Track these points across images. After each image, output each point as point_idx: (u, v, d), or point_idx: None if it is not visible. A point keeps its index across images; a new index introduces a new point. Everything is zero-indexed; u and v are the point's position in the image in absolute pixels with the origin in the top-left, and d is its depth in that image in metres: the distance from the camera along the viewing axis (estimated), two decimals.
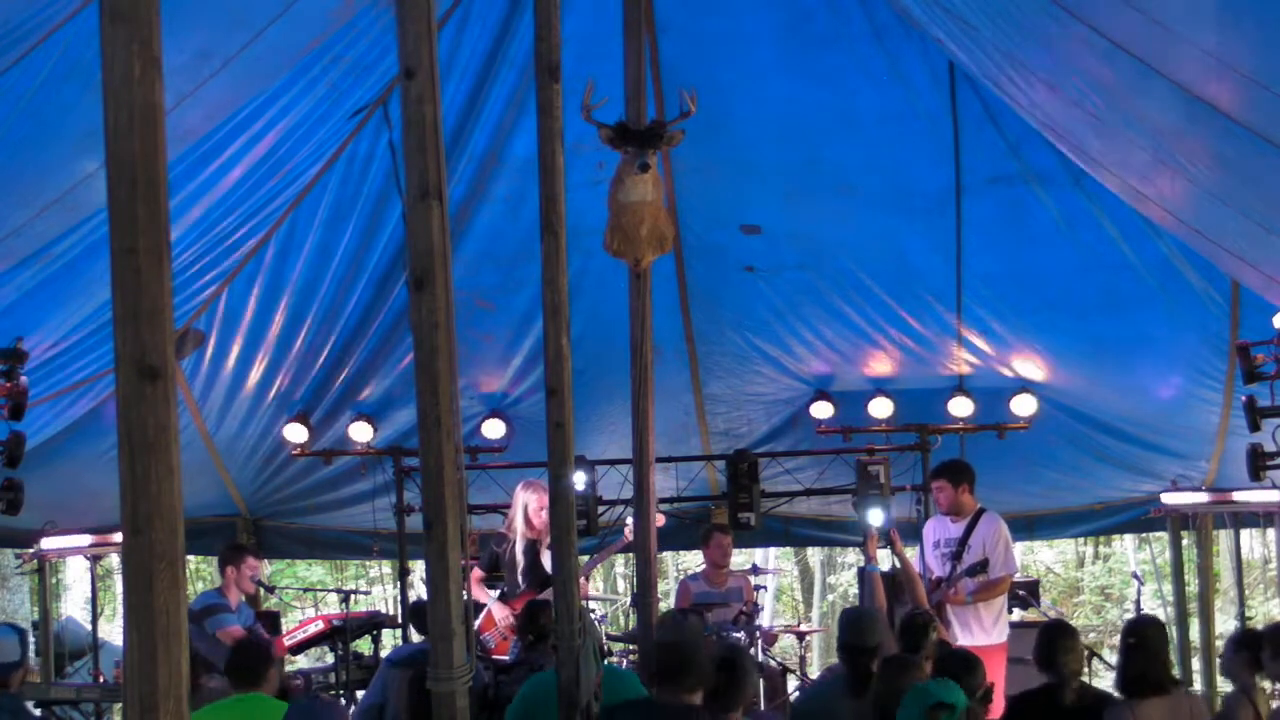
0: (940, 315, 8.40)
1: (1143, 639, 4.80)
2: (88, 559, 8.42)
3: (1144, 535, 15.25)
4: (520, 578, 7.52)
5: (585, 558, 7.93)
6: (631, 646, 7.43)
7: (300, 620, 8.92)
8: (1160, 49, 4.31)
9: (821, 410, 9.01)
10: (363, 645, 8.11)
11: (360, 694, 6.89)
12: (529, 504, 7.52)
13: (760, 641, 7.55)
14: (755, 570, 8.45)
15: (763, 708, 7.38)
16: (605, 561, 12.61)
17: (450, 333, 3.54)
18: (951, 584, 7.28)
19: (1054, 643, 4.94)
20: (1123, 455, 9.04)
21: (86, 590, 11.18)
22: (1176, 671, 9.06)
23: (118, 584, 13.65)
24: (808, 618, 18.57)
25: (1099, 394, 8.75)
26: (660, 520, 7.78)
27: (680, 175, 7.89)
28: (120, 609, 6.82)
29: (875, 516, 7.56)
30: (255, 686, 4.92)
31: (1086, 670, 7.78)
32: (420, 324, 3.52)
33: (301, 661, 9.99)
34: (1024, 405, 8.70)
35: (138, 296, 2.22)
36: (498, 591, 7.66)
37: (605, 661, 5.85)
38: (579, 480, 7.76)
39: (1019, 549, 7.83)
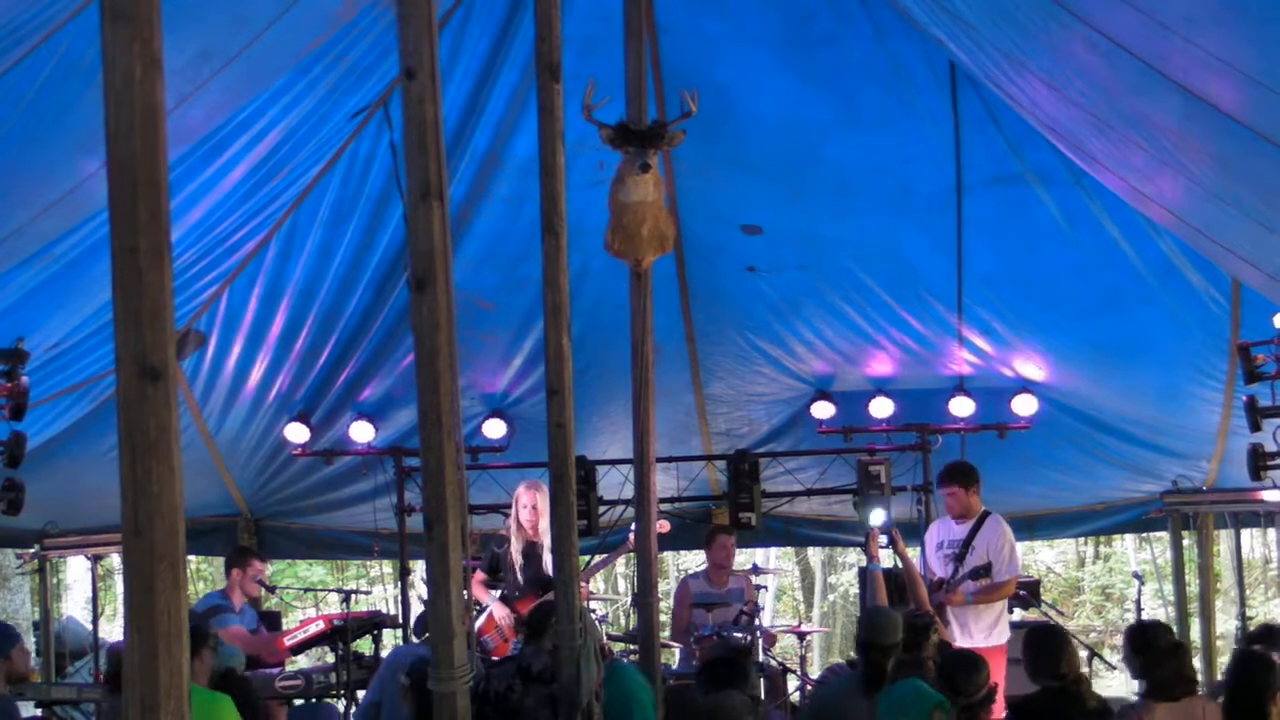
0: (940, 315, 8.40)
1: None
2: (88, 559, 8.42)
3: (1145, 535, 15.25)
4: (518, 579, 7.52)
5: (585, 558, 7.92)
6: (632, 646, 7.44)
7: (301, 620, 8.92)
8: (1160, 49, 4.31)
9: (822, 410, 9.01)
10: (363, 645, 8.12)
11: (361, 694, 6.89)
12: (519, 502, 7.55)
13: (761, 641, 7.55)
14: (756, 570, 8.45)
15: None
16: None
17: (451, 333, 3.54)
18: (953, 586, 7.29)
19: (1054, 648, 4.88)
20: (1123, 455, 9.04)
21: (87, 590, 11.19)
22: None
23: (118, 584, 13.65)
24: (809, 618, 18.57)
25: (1100, 394, 8.74)
26: (665, 528, 7.80)
27: (681, 175, 7.89)
28: (121, 609, 6.83)
29: (876, 516, 7.57)
30: None
31: (1086, 670, 7.81)
32: (421, 324, 3.53)
33: (302, 661, 9.99)
34: (1025, 405, 8.70)
35: (138, 297, 2.22)
36: (498, 592, 7.66)
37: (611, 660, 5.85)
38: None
39: (1020, 549, 7.84)
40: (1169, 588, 10.79)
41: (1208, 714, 4.60)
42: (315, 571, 17.73)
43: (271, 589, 8.26)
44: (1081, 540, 18.31)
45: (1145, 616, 8.34)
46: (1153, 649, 4.68)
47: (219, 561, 13.13)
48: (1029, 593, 8.15)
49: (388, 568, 17.53)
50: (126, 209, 2.23)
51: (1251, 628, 7.86)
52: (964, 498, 7.47)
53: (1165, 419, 8.64)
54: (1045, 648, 4.90)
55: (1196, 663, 9.05)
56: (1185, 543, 9.76)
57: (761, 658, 7.52)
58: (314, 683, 7.30)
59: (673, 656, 8.30)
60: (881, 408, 8.89)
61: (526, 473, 8.24)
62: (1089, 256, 7.68)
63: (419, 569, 8.93)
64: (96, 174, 5.01)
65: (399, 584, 9.49)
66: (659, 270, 6.69)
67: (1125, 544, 18.38)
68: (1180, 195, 5.85)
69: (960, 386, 8.83)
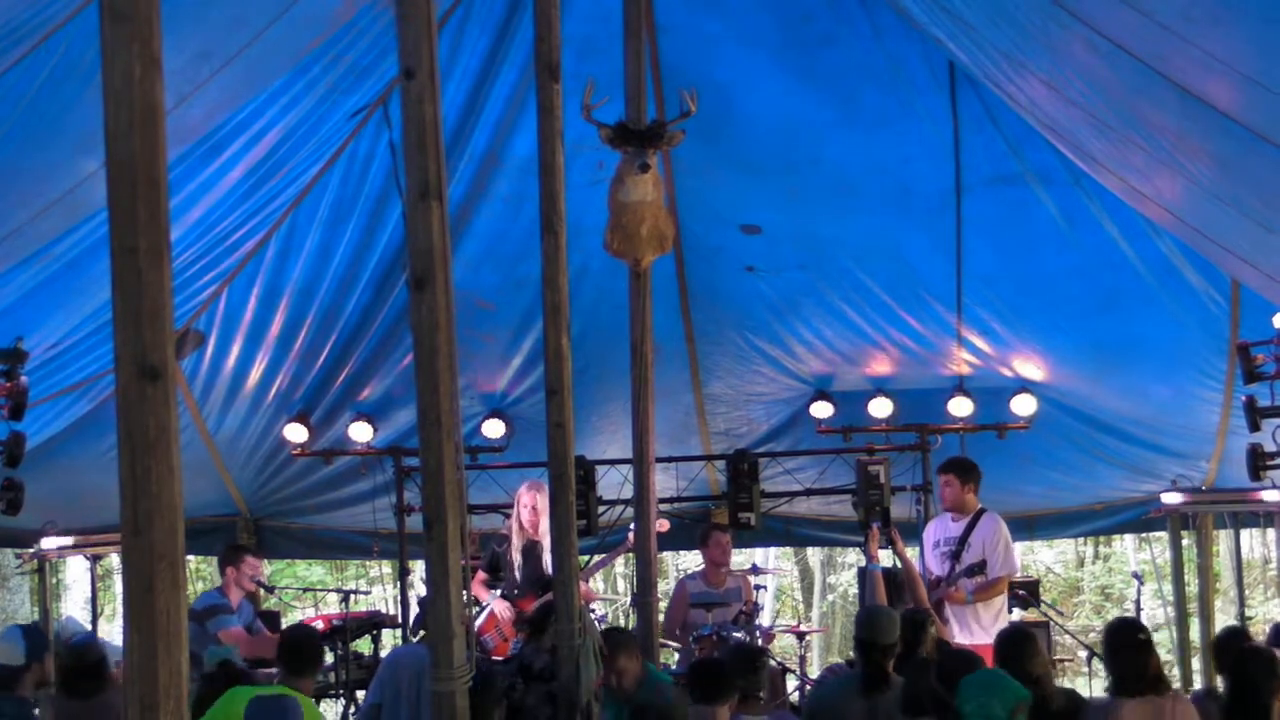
0: (940, 315, 8.40)
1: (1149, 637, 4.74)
2: (88, 559, 8.40)
3: (1144, 535, 15.25)
4: (517, 578, 7.52)
5: (584, 558, 7.92)
6: None
7: (300, 620, 8.92)
8: (1160, 49, 4.31)
9: (821, 410, 9.00)
10: (363, 645, 8.11)
11: (360, 694, 6.89)
12: (520, 502, 7.56)
13: (760, 641, 7.55)
14: (755, 570, 8.44)
15: None
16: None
17: (450, 333, 3.55)
18: (950, 583, 7.30)
19: (1021, 651, 4.83)
20: (1123, 455, 9.03)
21: (86, 590, 11.17)
22: (1177, 671, 9.09)
23: (118, 584, 13.64)
24: (808, 618, 18.56)
25: (1099, 394, 8.74)
26: (664, 526, 7.79)
27: (680, 175, 7.89)
28: (120, 609, 6.82)
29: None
30: (303, 678, 4.96)
31: (1086, 670, 7.82)
32: (420, 324, 3.53)
33: None
34: (1024, 405, 8.69)
35: (138, 296, 2.22)
36: (498, 591, 7.66)
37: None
38: None
39: (1019, 549, 7.83)
40: (1168, 588, 10.78)
41: (1177, 711, 4.55)
42: (314, 571, 17.70)
43: (270, 589, 8.26)
44: (1081, 540, 18.28)
45: (1144, 617, 8.33)
46: (1119, 644, 4.68)
47: None
48: (1028, 592, 8.15)
49: (387, 568, 17.50)
50: (126, 209, 2.23)
51: (1252, 628, 7.87)
52: (958, 489, 7.48)
53: (1165, 419, 8.64)
54: (1012, 650, 4.88)
55: (1196, 663, 9.07)
56: (1184, 543, 9.75)
57: None
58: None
59: (672, 657, 8.30)
60: (881, 407, 8.89)
61: (526, 473, 8.23)
62: (1089, 257, 7.68)
63: (418, 569, 8.93)
64: (96, 174, 5.01)
65: (398, 584, 9.49)
66: (658, 270, 6.70)
67: (1125, 544, 18.36)
68: (1179, 195, 5.85)
69: (959, 386, 8.83)
